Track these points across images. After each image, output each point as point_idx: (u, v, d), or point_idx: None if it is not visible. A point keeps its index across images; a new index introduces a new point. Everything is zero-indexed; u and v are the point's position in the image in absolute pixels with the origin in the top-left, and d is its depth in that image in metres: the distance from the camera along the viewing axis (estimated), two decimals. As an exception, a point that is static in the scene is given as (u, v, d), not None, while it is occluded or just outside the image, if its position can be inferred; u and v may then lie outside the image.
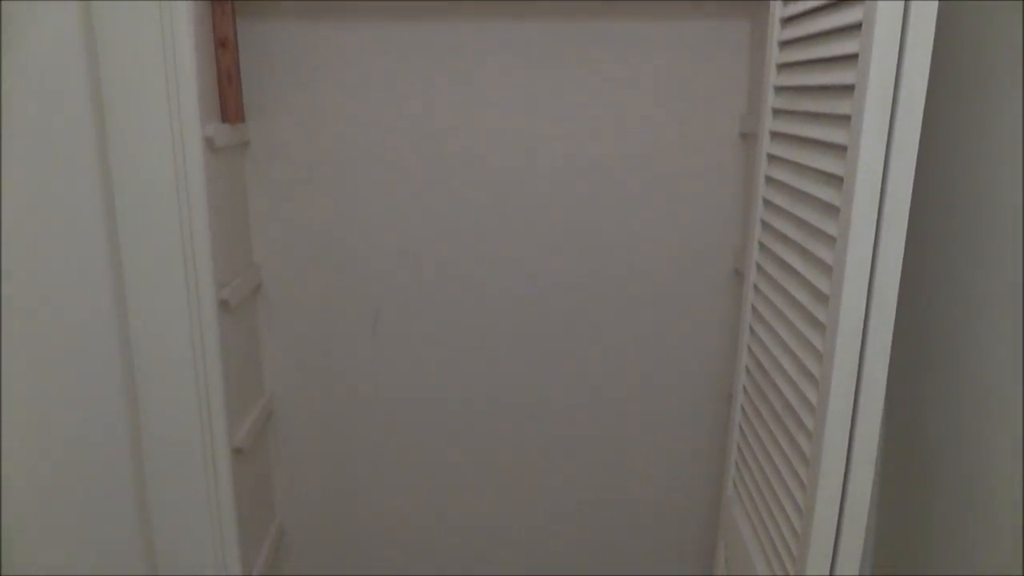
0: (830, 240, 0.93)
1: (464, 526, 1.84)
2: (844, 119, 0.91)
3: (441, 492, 1.81)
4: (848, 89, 0.90)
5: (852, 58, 0.89)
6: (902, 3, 0.81)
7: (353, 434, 1.76)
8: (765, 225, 1.23)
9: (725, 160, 1.63)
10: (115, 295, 1.24)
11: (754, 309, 1.27)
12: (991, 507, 0.99)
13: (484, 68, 1.58)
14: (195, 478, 1.30)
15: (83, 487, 1.30)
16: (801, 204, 1.06)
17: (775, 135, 1.20)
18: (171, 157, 1.20)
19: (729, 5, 1.55)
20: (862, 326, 0.88)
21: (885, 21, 0.81)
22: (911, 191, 0.85)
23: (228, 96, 1.48)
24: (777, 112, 1.20)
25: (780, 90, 1.19)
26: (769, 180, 1.22)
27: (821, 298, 0.96)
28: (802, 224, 1.05)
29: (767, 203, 1.22)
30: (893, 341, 0.89)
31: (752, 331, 1.28)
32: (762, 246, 1.24)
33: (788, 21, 1.16)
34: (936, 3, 0.80)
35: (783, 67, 1.18)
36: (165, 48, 1.17)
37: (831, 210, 0.94)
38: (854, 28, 0.89)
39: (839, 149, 0.92)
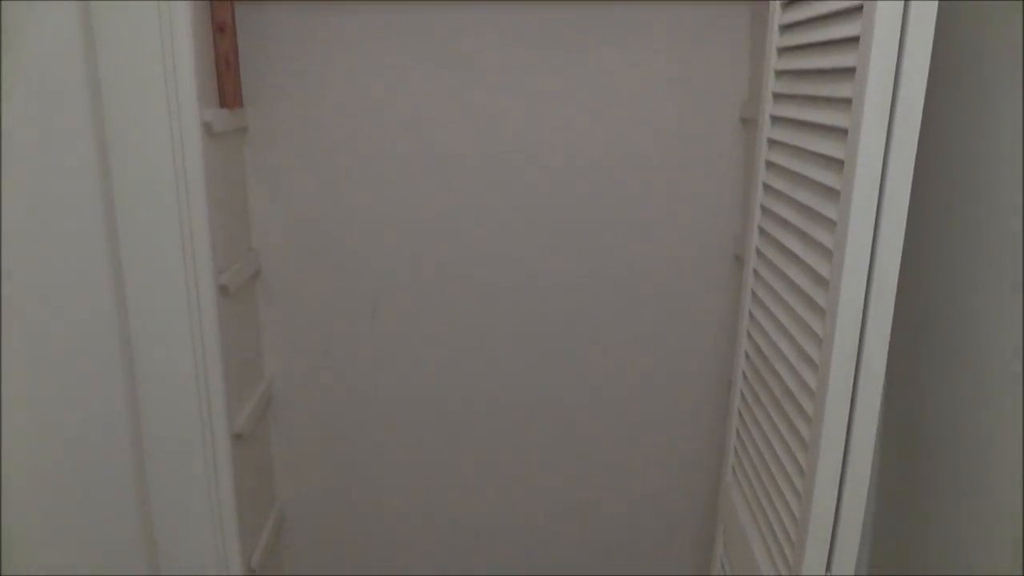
0: (830, 224, 0.93)
1: (465, 507, 1.84)
2: (845, 102, 0.90)
3: (441, 476, 1.81)
4: (849, 72, 0.89)
5: (853, 40, 0.88)
6: (903, -15, 0.80)
7: (353, 419, 1.76)
8: (765, 210, 1.22)
9: (725, 146, 1.62)
10: (113, 280, 1.24)
11: (754, 294, 1.27)
12: (991, 499, 0.99)
13: (483, 53, 1.57)
14: (195, 463, 1.30)
15: (82, 472, 1.30)
16: (801, 188, 1.05)
17: (776, 119, 1.20)
18: (169, 142, 1.20)
19: (729, -11, 1.54)
20: (862, 310, 0.88)
21: (886, 2, 0.81)
22: (912, 174, 0.84)
23: (226, 81, 1.47)
24: (778, 96, 1.20)
25: (781, 74, 1.19)
26: (769, 165, 1.21)
27: (821, 282, 0.96)
28: (802, 209, 1.04)
29: (767, 188, 1.22)
30: (893, 326, 0.89)
31: (752, 316, 1.27)
32: (762, 231, 1.23)
33: (789, 4, 1.15)
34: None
35: (784, 51, 1.18)
36: (163, 33, 1.16)
37: (831, 194, 0.94)
38: (855, 10, 0.88)
39: (840, 132, 0.92)
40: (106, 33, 1.15)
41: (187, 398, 1.28)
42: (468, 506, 1.84)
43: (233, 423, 1.40)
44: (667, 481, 1.84)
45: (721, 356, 1.74)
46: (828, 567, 0.97)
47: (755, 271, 1.26)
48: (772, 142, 1.21)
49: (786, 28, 1.16)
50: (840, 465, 0.94)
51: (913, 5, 0.81)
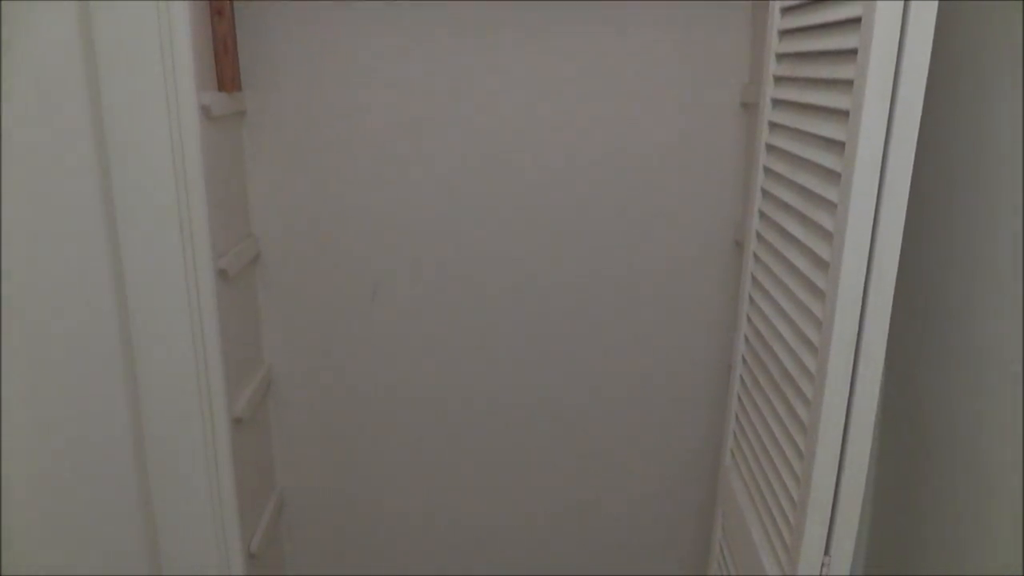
0: (831, 206, 0.93)
1: (464, 492, 1.84)
2: (847, 83, 0.90)
3: (440, 461, 1.82)
4: (851, 53, 0.88)
5: (855, 22, 0.88)
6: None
7: (353, 404, 1.76)
8: (765, 193, 1.22)
9: (726, 131, 1.62)
10: (112, 265, 1.23)
11: (753, 278, 1.26)
12: (991, 484, 0.99)
13: (484, 37, 1.56)
14: (194, 448, 1.30)
15: (81, 457, 1.30)
16: (802, 171, 1.05)
17: (777, 102, 1.19)
18: (167, 125, 1.19)
19: (731, -27, 1.53)
20: (862, 293, 0.88)
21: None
22: (913, 156, 0.84)
23: (224, 65, 1.46)
24: (779, 79, 1.19)
25: (782, 57, 1.18)
26: (770, 148, 1.21)
27: (821, 265, 0.95)
28: (802, 191, 1.04)
29: (768, 171, 1.22)
30: (892, 311, 0.89)
31: (751, 300, 1.27)
32: (762, 214, 1.23)
33: (791, -14, 1.14)
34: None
35: (785, 33, 1.17)
36: (161, 17, 1.15)
37: (832, 176, 0.93)
38: (857, -9, 0.88)
39: (841, 114, 0.91)
40: (104, 17, 1.14)
41: (186, 382, 1.27)
42: (467, 492, 1.84)
43: (233, 407, 1.40)
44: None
45: (721, 343, 1.73)
46: (827, 550, 0.98)
47: (755, 254, 1.26)
48: (773, 125, 1.20)
49: (787, 11, 1.16)
50: (839, 448, 0.94)
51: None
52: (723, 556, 1.41)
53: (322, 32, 1.54)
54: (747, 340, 1.29)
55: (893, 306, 0.89)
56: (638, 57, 1.58)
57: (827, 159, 0.95)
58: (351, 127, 1.60)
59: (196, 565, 1.35)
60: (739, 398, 1.33)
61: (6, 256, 1.20)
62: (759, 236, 1.24)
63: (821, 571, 0.98)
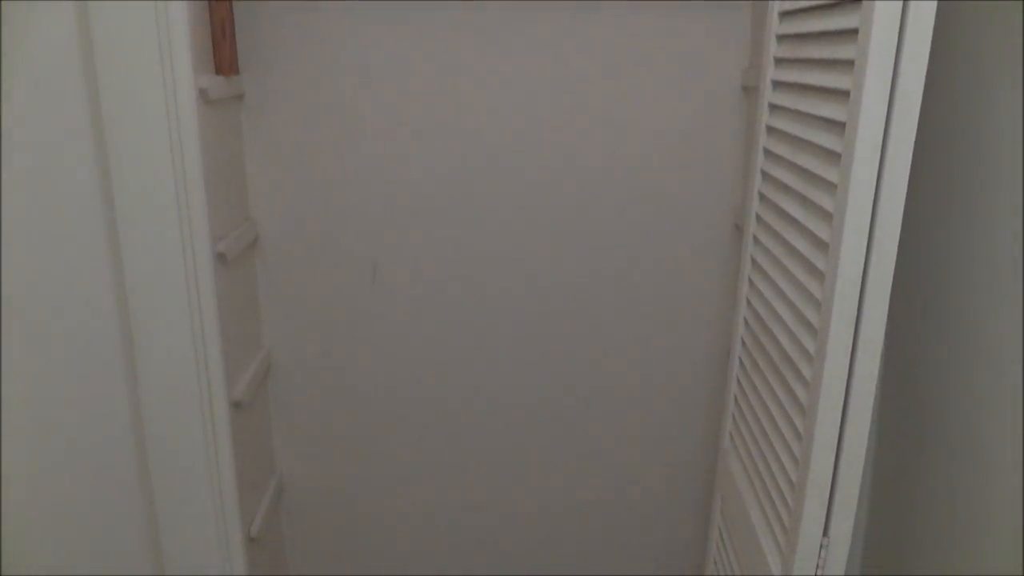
0: (831, 187, 0.92)
1: (465, 474, 1.85)
2: (847, 64, 0.89)
3: (441, 445, 1.82)
4: (852, 33, 0.88)
5: (856, 2, 0.87)
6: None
7: (352, 388, 1.76)
8: (765, 175, 1.22)
9: (726, 114, 1.61)
10: (110, 249, 1.23)
11: (753, 260, 1.26)
12: (990, 466, 0.99)
13: (483, 16, 1.55)
14: (194, 431, 1.30)
15: (79, 440, 1.30)
16: (802, 152, 1.05)
17: (777, 84, 1.19)
18: (164, 109, 1.18)
19: (731, -45, 1.52)
20: (861, 272, 0.87)
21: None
22: (915, 135, 0.83)
23: (222, 48, 1.45)
24: (779, 61, 1.19)
25: (783, 38, 1.18)
26: (770, 130, 1.20)
27: (821, 246, 0.95)
28: (802, 172, 1.04)
29: (768, 153, 1.21)
30: (891, 293, 0.88)
31: (751, 282, 1.27)
32: (762, 196, 1.23)
33: (791, -33, 1.13)
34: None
35: (786, 15, 1.16)
36: (158, 1, 1.14)
37: (832, 157, 0.93)
38: (858, -30, 0.87)
39: (841, 95, 0.91)
40: (102, 1, 1.13)
41: (185, 366, 1.27)
42: (468, 475, 1.85)
43: (232, 391, 1.40)
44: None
45: (721, 329, 1.73)
46: (825, 531, 0.98)
47: (755, 237, 1.26)
48: (773, 107, 1.20)
49: (788, -9, 1.15)
50: (838, 429, 0.94)
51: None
52: (722, 539, 1.42)
53: (320, 15, 1.53)
54: (746, 323, 1.29)
55: (892, 287, 0.89)
56: (638, 41, 1.57)
57: (827, 139, 0.95)
58: (350, 110, 1.59)
59: (196, 549, 1.35)
60: (738, 381, 1.33)
61: (3, 239, 1.20)
62: (759, 218, 1.24)
63: (820, 552, 0.98)
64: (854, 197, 0.85)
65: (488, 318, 1.73)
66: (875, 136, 0.84)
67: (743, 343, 1.31)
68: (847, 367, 0.91)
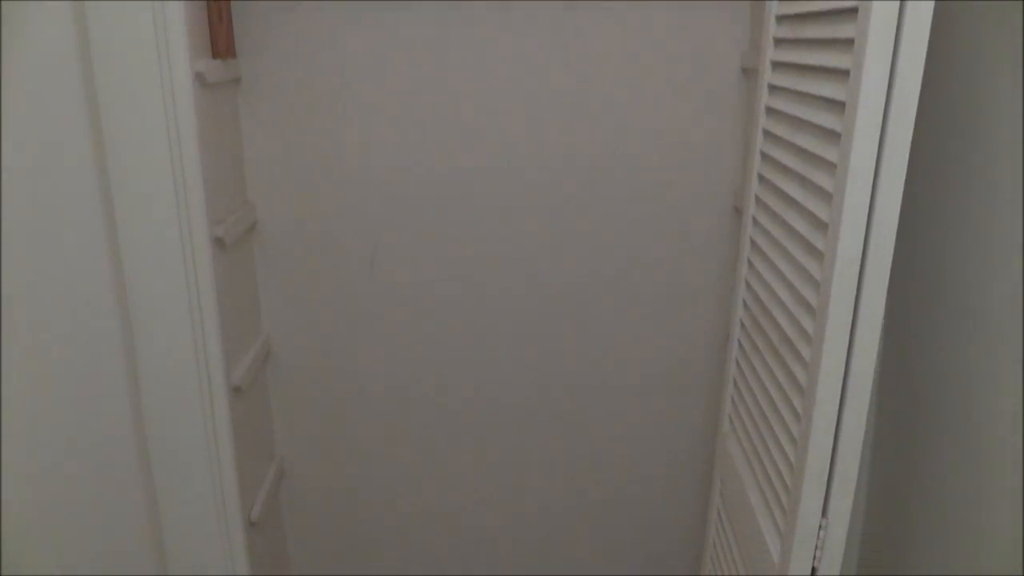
0: (830, 167, 0.92)
1: (465, 456, 1.85)
2: (847, 43, 0.89)
3: (442, 427, 1.82)
4: (851, 12, 0.87)
5: (856, -21, 0.86)
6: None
7: (352, 372, 1.76)
8: (765, 156, 1.21)
9: (726, 97, 1.61)
10: (107, 234, 1.22)
11: (752, 242, 1.26)
12: (988, 443, 0.99)
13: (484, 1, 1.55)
14: (193, 416, 1.30)
15: (78, 425, 1.30)
16: (801, 133, 1.04)
17: (776, 64, 1.18)
18: (161, 93, 1.18)
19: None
20: (861, 252, 0.87)
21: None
22: (915, 113, 0.83)
23: (219, 32, 1.44)
24: (779, 41, 1.18)
25: (782, 19, 1.17)
26: (770, 111, 1.20)
27: (820, 226, 0.95)
28: (802, 153, 1.03)
29: (767, 134, 1.21)
30: (891, 270, 0.88)
31: (750, 264, 1.27)
32: (761, 178, 1.22)
33: (791, -54, 1.12)
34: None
35: (786, -6, 1.15)
36: (153, -18, 1.14)
37: (832, 137, 0.92)
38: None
39: (841, 74, 0.90)
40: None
41: (184, 351, 1.27)
42: (469, 460, 1.85)
43: (231, 376, 1.40)
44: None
45: (721, 312, 1.73)
46: (824, 512, 0.98)
47: (754, 218, 1.25)
48: (773, 87, 1.19)
49: (788, -29, 1.14)
50: (836, 410, 0.93)
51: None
52: (720, 521, 1.42)
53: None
54: (745, 305, 1.29)
55: (891, 267, 0.88)
56: (637, 24, 1.56)
57: (827, 119, 0.94)
58: (348, 93, 1.59)
59: (196, 533, 1.36)
60: (737, 363, 1.33)
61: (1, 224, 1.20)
62: (758, 200, 1.24)
63: (818, 533, 0.98)
64: (853, 176, 0.85)
65: (488, 298, 1.73)
66: (875, 115, 0.83)
67: (742, 325, 1.31)
68: (846, 347, 0.91)
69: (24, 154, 1.18)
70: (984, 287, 0.99)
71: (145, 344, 1.26)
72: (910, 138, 0.84)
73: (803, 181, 1.02)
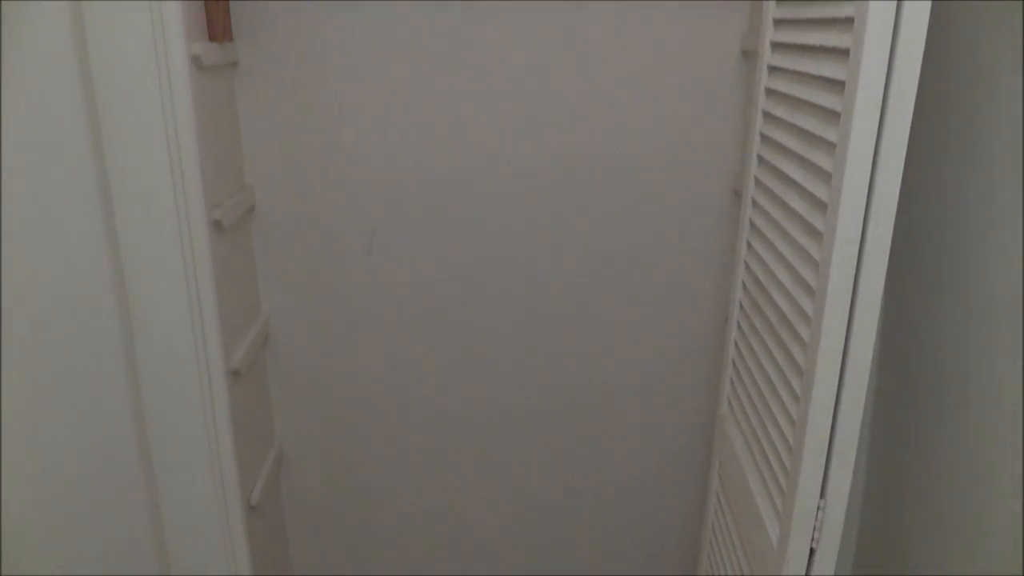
0: (830, 147, 0.91)
1: (465, 441, 1.86)
2: (847, 22, 0.88)
3: (441, 410, 1.82)
4: (852, -9, 0.87)
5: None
6: None
7: (352, 355, 1.76)
8: (764, 138, 1.21)
9: (725, 79, 1.60)
10: (104, 218, 1.22)
11: (751, 224, 1.25)
12: (990, 425, 0.99)
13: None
14: (192, 400, 1.30)
15: (76, 410, 1.29)
16: (801, 113, 1.04)
17: (776, 45, 1.18)
18: (157, 76, 1.17)
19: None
20: (860, 231, 0.87)
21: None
22: (915, 92, 0.82)
23: (215, 15, 1.44)
24: (778, 22, 1.17)
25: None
26: (769, 92, 1.19)
27: (819, 206, 0.95)
28: (801, 133, 1.03)
29: (767, 115, 1.20)
30: (891, 252, 0.88)
31: (749, 246, 1.27)
32: (761, 159, 1.22)
33: (791, -75, 1.12)
34: None
35: (785, -26, 1.15)
36: (149, -35, 1.13)
37: (832, 117, 0.92)
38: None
39: (841, 53, 0.90)
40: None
41: (183, 334, 1.27)
42: (467, 440, 1.85)
43: (230, 360, 1.40)
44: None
45: (720, 295, 1.73)
46: (822, 493, 0.98)
47: (753, 200, 1.25)
48: (772, 68, 1.18)
49: (788, -50, 1.13)
50: (835, 390, 0.93)
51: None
52: (720, 504, 1.42)
53: (314, -20, 1.52)
54: (744, 287, 1.29)
55: (892, 257, 0.88)
56: (637, 7, 1.55)
57: (827, 99, 0.94)
58: (345, 76, 1.58)
59: (196, 517, 1.36)
60: (736, 345, 1.33)
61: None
62: (757, 181, 1.23)
63: (817, 515, 0.98)
64: (853, 155, 0.85)
65: (490, 284, 1.73)
66: (875, 94, 0.83)
67: (741, 307, 1.31)
68: (845, 328, 0.91)
69: (20, 140, 1.17)
70: (985, 261, 0.98)
71: (144, 328, 1.26)
72: (910, 117, 0.83)
73: (802, 162, 1.02)
